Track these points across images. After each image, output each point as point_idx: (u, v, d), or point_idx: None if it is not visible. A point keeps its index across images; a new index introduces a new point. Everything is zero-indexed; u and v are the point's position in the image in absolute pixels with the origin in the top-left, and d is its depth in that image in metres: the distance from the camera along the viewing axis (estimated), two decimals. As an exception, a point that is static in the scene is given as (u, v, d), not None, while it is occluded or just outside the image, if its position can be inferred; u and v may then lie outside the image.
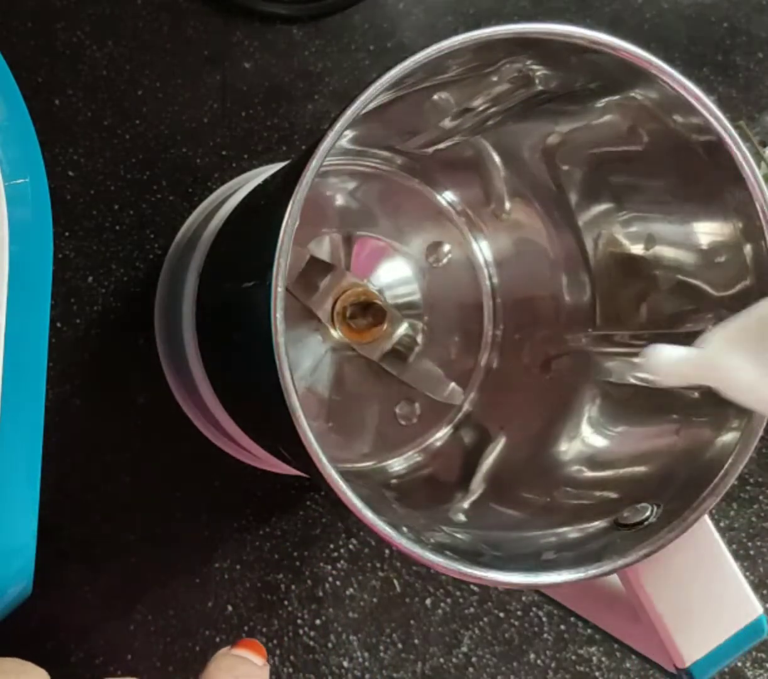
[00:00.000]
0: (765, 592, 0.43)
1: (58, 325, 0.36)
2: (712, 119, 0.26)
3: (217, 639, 0.37)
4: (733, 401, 0.25)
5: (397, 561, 0.39)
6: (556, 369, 0.36)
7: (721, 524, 0.42)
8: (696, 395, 0.29)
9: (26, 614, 0.33)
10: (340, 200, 0.36)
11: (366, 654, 0.38)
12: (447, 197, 0.38)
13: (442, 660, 0.39)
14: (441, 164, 0.36)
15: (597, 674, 0.41)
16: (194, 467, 0.37)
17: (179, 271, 0.35)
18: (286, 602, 0.38)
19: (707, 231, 0.29)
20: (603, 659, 0.41)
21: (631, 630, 0.29)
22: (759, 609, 0.27)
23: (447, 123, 0.32)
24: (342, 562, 0.38)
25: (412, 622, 0.39)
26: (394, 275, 0.37)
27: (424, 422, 0.37)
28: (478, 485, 0.34)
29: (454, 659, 0.39)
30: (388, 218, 0.37)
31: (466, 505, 0.33)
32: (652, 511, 0.27)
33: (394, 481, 0.36)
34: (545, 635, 0.40)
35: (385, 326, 0.35)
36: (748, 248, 0.27)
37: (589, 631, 0.40)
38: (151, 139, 0.37)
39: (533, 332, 0.37)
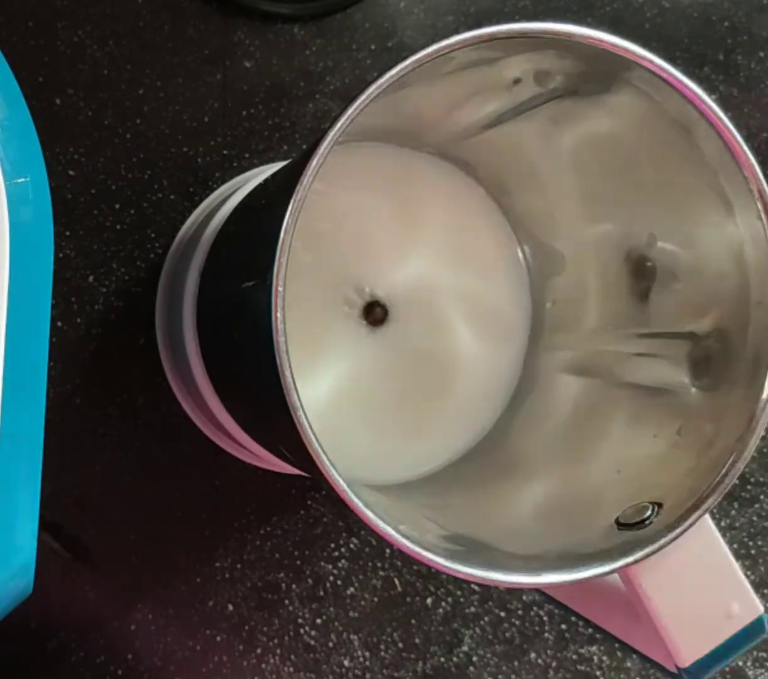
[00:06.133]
0: (765, 592, 0.43)
1: (59, 324, 0.36)
2: (714, 120, 0.26)
3: (218, 639, 0.37)
4: None
5: (398, 560, 0.39)
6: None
7: (722, 524, 0.42)
8: (696, 394, 0.29)
9: (26, 614, 0.33)
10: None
11: (367, 653, 0.38)
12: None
13: (443, 659, 0.39)
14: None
15: (598, 673, 0.41)
16: (194, 467, 0.37)
17: (180, 270, 0.35)
18: (286, 602, 0.38)
19: (708, 229, 0.29)
20: (604, 658, 0.41)
21: (632, 630, 0.29)
22: (759, 609, 0.27)
23: (450, 125, 0.32)
24: (343, 561, 0.38)
25: (413, 621, 0.39)
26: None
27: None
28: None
29: (455, 658, 0.39)
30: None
31: (468, 503, 0.33)
32: (652, 511, 0.27)
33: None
34: (546, 635, 0.40)
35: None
36: (749, 247, 0.27)
37: (590, 630, 0.40)
38: (152, 139, 0.37)
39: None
